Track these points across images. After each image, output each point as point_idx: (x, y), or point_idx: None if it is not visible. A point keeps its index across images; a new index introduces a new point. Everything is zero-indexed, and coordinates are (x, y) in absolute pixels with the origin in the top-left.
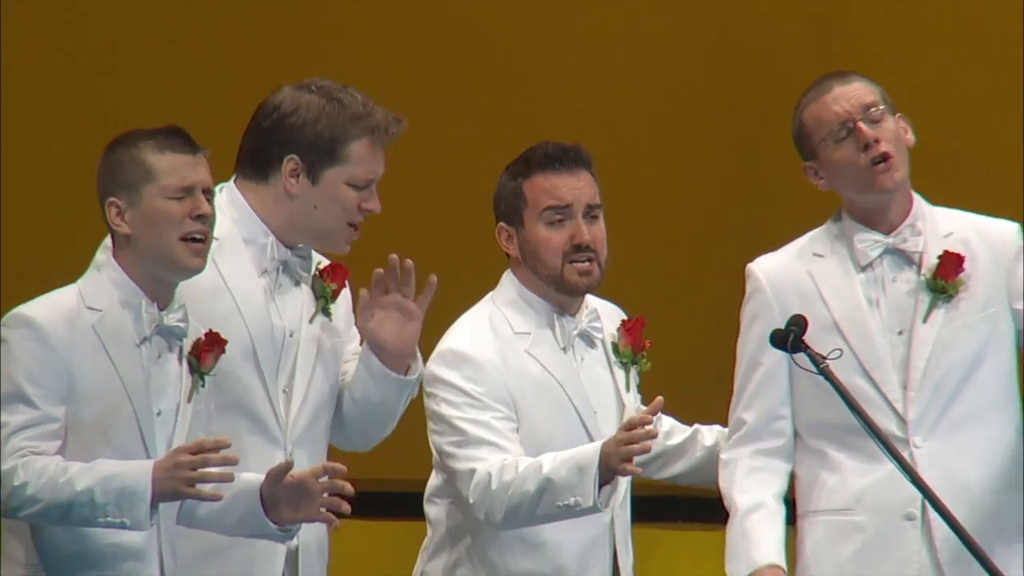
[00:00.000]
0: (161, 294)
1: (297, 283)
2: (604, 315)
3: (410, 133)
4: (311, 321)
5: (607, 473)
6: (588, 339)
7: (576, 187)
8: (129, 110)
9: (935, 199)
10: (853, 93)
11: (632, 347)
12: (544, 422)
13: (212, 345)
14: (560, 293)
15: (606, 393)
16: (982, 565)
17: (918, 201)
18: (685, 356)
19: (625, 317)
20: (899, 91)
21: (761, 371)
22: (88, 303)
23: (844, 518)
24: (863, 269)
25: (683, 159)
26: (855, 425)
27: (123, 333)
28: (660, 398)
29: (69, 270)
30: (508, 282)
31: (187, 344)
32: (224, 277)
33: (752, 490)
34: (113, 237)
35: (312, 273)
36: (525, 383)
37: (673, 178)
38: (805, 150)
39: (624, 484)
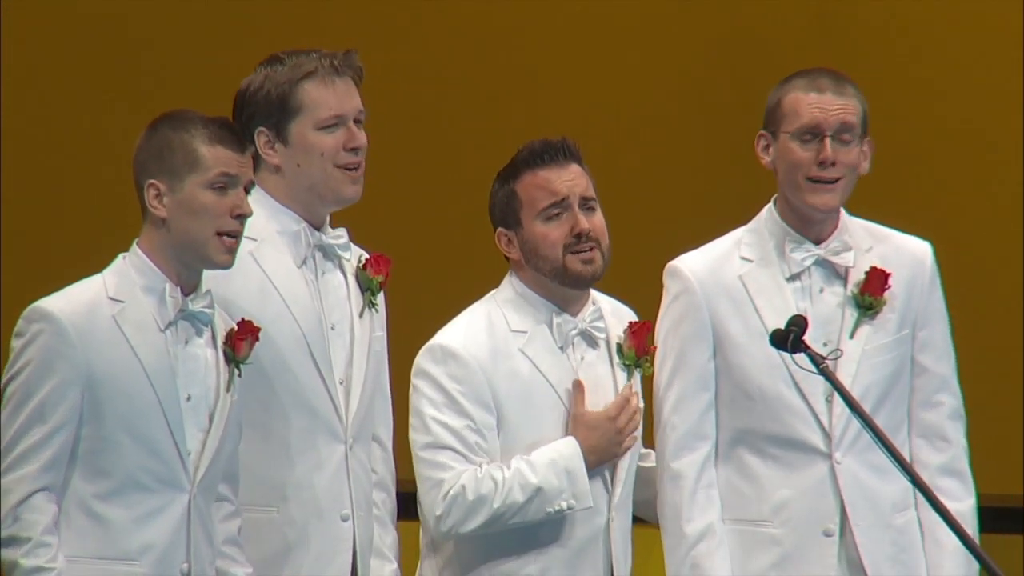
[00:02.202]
0: (186, 279)
1: (337, 266)
2: (613, 315)
3: (415, 133)
4: (361, 315)
5: (595, 466)
6: (589, 338)
7: (568, 179)
8: (130, 109)
9: (933, 198)
10: (840, 107)
11: (636, 350)
12: (531, 423)
13: (246, 333)
14: (564, 287)
15: (605, 393)
16: (979, 561)
17: (843, 213)
18: None
19: (636, 319)
20: (898, 90)
21: (691, 373)
22: (111, 294)
23: (759, 529)
24: (792, 278)
25: (684, 156)
26: (776, 434)
27: (145, 320)
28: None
29: (70, 269)
30: (509, 284)
31: (220, 333)
32: (269, 277)
33: (697, 517)
34: (145, 217)
35: (357, 265)
36: (513, 384)
37: (673, 175)
38: (769, 122)
39: (621, 486)
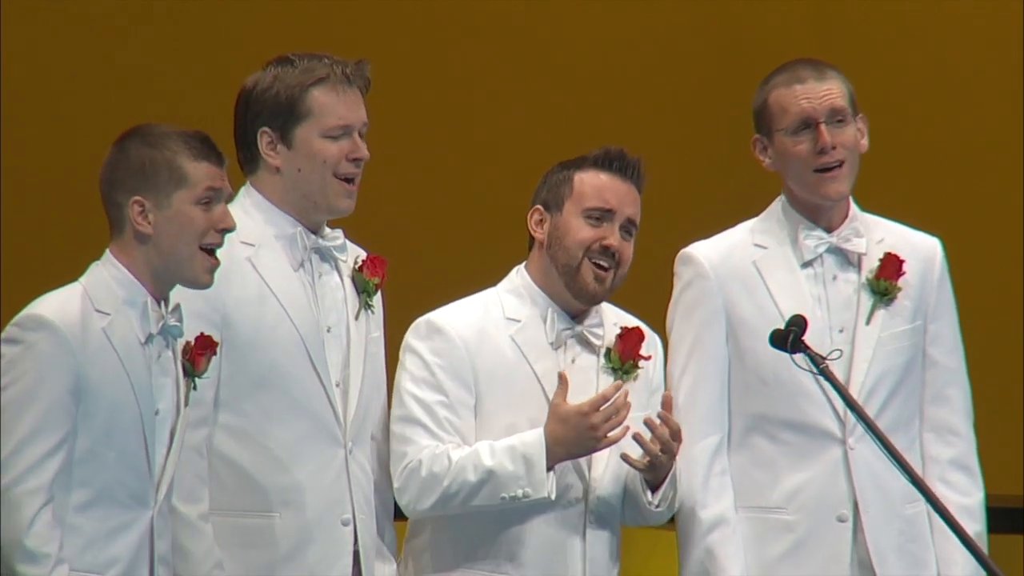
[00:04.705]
0: (161, 293)
1: (334, 268)
2: (617, 326)
3: (415, 133)
4: (357, 318)
5: (564, 459)
6: (585, 342)
7: (625, 196)
8: (131, 109)
9: (934, 197)
10: (825, 92)
11: (621, 355)
12: (509, 408)
13: (204, 348)
14: (568, 290)
15: (588, 397)
16: (980, 563)
17: (853, 204)
18: None
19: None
20: (897, 90)
21: (706, 359)
22: (97, 306)
23: (773, 516)
24: (805, 265)
25: (684, 156)
26: (790, 420)
27: (130, 334)
28: (668, 393)
29: (68, 270)
30: (516, 274)
31: (178, 347)
32: (268, 283)
33: (711, 503)
34: (119, 231)
35: (353, 267)
36: (497, 366)
37: (676, 177)
38: (760, 125)
39: (599, 482)
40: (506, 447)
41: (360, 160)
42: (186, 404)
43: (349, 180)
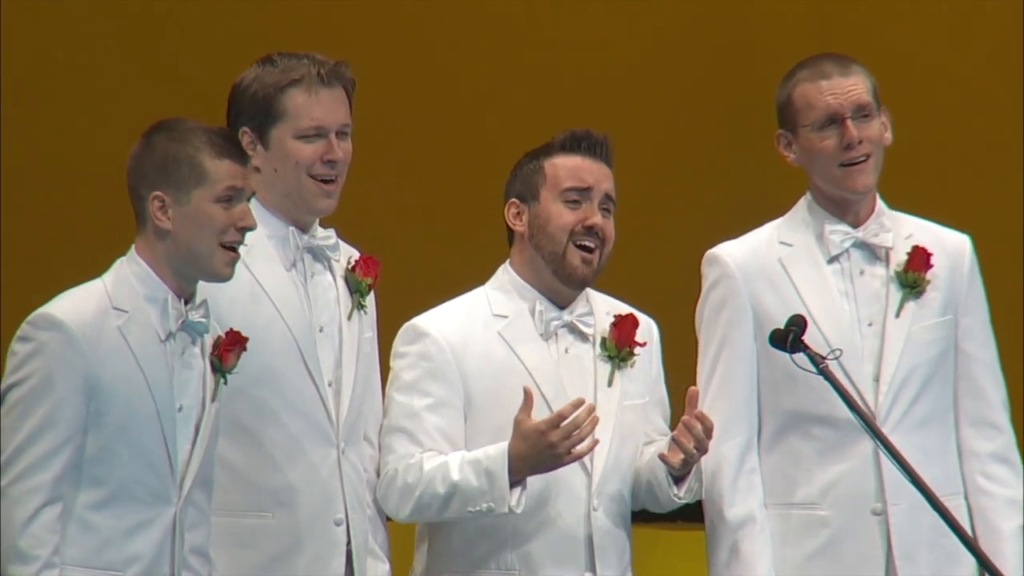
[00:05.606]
0: (184, 289)
1: (327, 267)
2: (609, 314)
3: (408, 131)
4: (349, 318)
5: (530, 474)
6: (577, 331)
7: (598, 173)
8: (130, 110)
9: (934, 197)
10: (851, 88)
11: (617, 341)
12: (500, 406)
13: (234, 344)
14: (556, 277)
15: (588, 388)
16: (980, 562)
17: (879, 199)
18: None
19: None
20: (897, 90)
21: (734, 358)
22: (115, 303)
23: (807, 512)
24: (832, 260)
25: (683, 155)
26: (822, 415)
27: (148, 331)
28: (694, 388)
29: (69, 270)
30: (502, 271)
31: (207, 342)
32: (260, 283)
33: (738, 503)
34: (143, 225)
35: (346, 267)
36: (485, 366)
37: (672, 175)
38: (785, 120)
39: (600, 478)
40: (472, 460)
41: (334, 162)
42: (213, 399)
43: (326, 181)
